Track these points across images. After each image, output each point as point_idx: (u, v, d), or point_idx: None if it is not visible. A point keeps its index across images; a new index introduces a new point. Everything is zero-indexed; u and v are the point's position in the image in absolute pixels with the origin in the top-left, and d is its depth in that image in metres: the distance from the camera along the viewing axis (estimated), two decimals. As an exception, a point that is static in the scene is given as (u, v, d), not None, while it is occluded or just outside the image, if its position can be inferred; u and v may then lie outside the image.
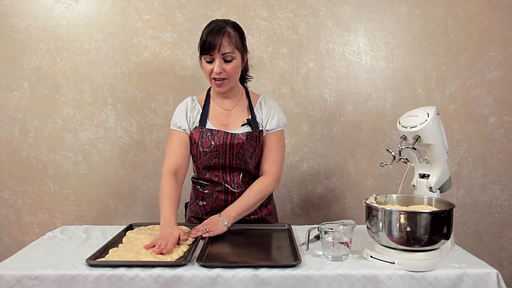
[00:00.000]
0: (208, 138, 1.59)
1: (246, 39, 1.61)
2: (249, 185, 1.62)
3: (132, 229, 1.55)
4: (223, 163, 1.61)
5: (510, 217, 2.31)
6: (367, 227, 1.29)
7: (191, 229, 1.48)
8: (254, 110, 1.66)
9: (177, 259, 1.23)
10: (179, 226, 1.42)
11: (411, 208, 1.31)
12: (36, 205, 2.26)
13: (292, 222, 2.25)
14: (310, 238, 1.34)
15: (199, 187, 1.68)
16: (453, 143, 2.25)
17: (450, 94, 2.25)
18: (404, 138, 1.37)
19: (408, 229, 1.18)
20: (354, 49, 2.24)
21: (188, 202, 1.79)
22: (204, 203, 1.66)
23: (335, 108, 2.26)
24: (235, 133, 1.59)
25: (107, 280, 1.14)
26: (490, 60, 2.23)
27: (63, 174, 2.25)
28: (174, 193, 1.51)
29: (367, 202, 1.31)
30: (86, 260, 1.20)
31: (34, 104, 2.22)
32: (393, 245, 1.21)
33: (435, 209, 1.30)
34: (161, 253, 1.24)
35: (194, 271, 1.16)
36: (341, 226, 1.26)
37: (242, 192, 1.59)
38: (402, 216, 1.19)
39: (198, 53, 1.56)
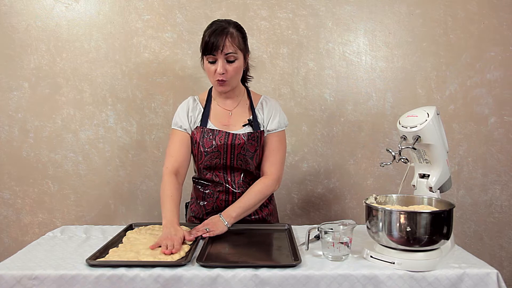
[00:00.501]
0: (210, 138, 1.59)
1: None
2: (250, 185, 1.61)
3: (132, 229, 1.55)
4: (224, 163, 1.61)
5: (510, 217, 2.31)
6: (367, 227, 1.29)
7: (191, 229, 1.48)
8: (256, 110, 1.66)
9: (177, 259, 1.23)
10: (180, 226, 1.42)
11: (411, 208, 1.31)
12: (36, 205, 2.26)
13: (292, 222, 2.25)
14: (310, 238, 1.34)
15: (200, 187, 1.68)
16: (453, 143, 2.25)
17: (450, 94, 2.25)
18: (404, 138, 1.37)
19: (408, 229, 1.18)
20: (354, 49, 2.24)
21: (188, 202, 1.79)
22: (205, 203, 1.66)
23: (335, 108, 2.26)
24: (237, 134, 1.59)
25: (107, 280, 1.14)
26: (490, 60, 2.23)
27: (63, 174, 2.25)
28: (175, 193, 1.52)
29: (367, 202, 1.31)
30: (86, 260, 1.20)
31: (34, 104, 2.22)
32: (393, 245, 1.21)
33: (435, 209, 1.30)
34: (171, 253, 1.23)
35: (194, 271, 1.16)
36: (341, 226, 1.26)
37: (243, 193, 1.59)
38: (402, 216, 1.19)
39: (200, 53, 1.56)
